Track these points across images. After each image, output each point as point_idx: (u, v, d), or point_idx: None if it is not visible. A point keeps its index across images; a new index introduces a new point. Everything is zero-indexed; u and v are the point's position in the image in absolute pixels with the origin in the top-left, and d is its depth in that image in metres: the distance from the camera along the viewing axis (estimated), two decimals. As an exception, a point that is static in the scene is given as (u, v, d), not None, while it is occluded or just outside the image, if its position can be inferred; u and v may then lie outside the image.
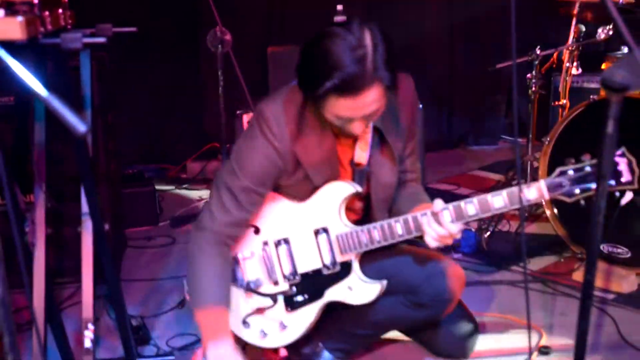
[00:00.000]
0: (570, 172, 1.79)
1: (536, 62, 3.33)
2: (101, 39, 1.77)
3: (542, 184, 1.80)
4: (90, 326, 2.11)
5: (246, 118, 3.52)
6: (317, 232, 2.02)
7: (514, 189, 1.84)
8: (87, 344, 2.11)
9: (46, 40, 1.72)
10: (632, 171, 1.76)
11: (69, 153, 2.47)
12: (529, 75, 3.39)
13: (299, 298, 2.06)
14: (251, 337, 2.12)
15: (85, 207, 2.08)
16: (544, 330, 2.46)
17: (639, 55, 1.44)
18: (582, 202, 1.81)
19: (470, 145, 5.17)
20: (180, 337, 2.51)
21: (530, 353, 2.32)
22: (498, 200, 1.85)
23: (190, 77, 4.50)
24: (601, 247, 2.83)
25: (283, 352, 2.18)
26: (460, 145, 5.18)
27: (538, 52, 3.32)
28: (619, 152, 1.76)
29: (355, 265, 2.02)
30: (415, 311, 2.07)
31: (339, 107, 1.78)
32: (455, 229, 1.85)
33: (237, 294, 2.11)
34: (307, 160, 1.97)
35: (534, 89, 3.38)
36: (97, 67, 2.64)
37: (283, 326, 2.08)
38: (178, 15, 4.42)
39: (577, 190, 1.79)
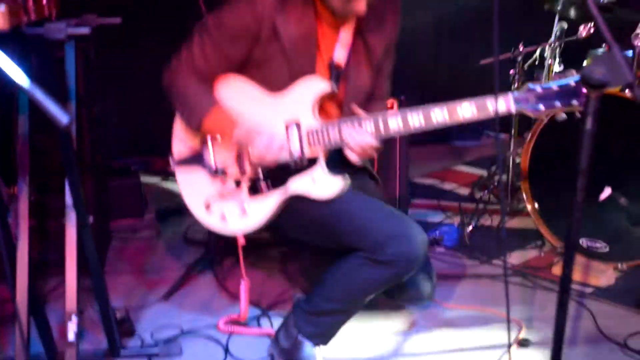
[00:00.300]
0: (538, 90, 1.82)
1: (519, 59, 3.35)
2: (85, 30, 1.76)
3: (510, 96, 1.83)
4: (74, 318, 2.10)
5: (242, 241, 3.46)
6: (288, 126, 2.05)
7: (482, 98, 1.86)
8: (71, 336, 2.10)
9: (30, 30, 1.71)
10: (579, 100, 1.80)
11: (53, 145, 2.44)
12: (512, 71, 3.41)
13: (263, 186, 2.10)
14: (212, 221, 2.16)
15: (69, 200, 2.07)
16: (524, 323, 2.49)
17: (618, 52, 1.46)
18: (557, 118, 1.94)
19: (454, 141, 5.18)
20: (165, 329, 2.50)
21: (509, 345, 2.34)
22: (466, 109, 1.86)
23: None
24: (580, 241, 2.86)
25: (242, 241, 2.22)
26: (443, 140, 5.19)
27: (521, 49, 3.33)
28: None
29: (322, 160, 2.05)
30: (379, 269, 2.01)
31: None
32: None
33: (202, 177, 2.16)
34: (285, 32, 1.99)
35: (516, 85, 3.40)
36: (82, 58, 2.61)
37: (244, 211, 2.11)
38: (165, 6, 4.37)
39: (542, 107, 1.82)
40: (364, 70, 2.13)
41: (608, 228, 2.85)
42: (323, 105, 2.09)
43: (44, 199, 2.77)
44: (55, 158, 2.43)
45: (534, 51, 3.48)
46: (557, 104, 1.79)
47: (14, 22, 1.60)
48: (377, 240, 1.98)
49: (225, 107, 2.08)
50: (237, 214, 2.12)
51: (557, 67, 3.56)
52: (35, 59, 1.95)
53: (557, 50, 3.52)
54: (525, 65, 3.49)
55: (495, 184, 3.58)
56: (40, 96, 1.27)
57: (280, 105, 2.05)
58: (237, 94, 2.09)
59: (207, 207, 2.16)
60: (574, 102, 1.78)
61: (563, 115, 2.11)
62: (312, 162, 2.05)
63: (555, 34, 3.51)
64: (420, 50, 5.00)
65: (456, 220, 3.29)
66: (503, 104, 1.83)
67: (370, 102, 2.20)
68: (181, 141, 2.21)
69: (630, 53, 2.99)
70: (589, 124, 1.48)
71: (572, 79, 1.79)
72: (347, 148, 2.01)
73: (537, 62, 3.64)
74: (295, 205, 2.10)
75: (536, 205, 3.07)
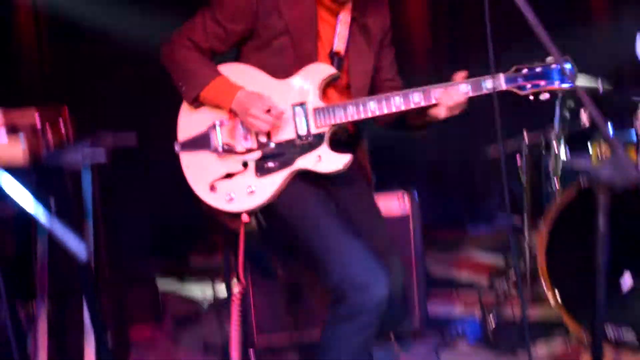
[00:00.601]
0: (525, 71, 2.07)
1: (524, 147, 3.38)
2: (102, 157, 1.80)
3: (501, 76, 2.03)
4: None
5: (246, 218, 3.49)
6: (294, 106, 2.10)
7: (476, 79, 2.08)
8: None
9: (49, 161, 1.75)
10: (568, 80, 2.06)
11: (72, 262, 2.45)
12: (519, 161, 3.43)
13: (270, 164, 2.10)
14: (217, 201, 2.14)
15: (87, 320, 2.05)
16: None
17: (621, 153, 1.48)
18: (531, 97, 2.09)
19: (468, 225, 5.16)
20: None
21: None
22: (463, 86, 2.07)
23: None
24: (607, 331, 2.77)
25: (245, 218, 2.16)
26: (457, 226, 5.16)
27: (525, 134, 3.37)
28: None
29: (327, 138, 2.10)
30: (353, 324, 1.99)
31: None
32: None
33: (208, 158, 2.14)
34: (289, 11, 2.07)
35: (524, 174, 3.42)
36: (97, 169, 2.65)
37: (250, 190, 2.11)
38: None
39: (529, 86, 2.06)
40: (365, 56, 2.21)
41: (635, 315, 2.76)
42: (326, 92, 2.15)
43: (61, 316, 2.74)
44: (73, 275, 2.44)
45: (539, 138, 3.51)
46: (542, 83, 2.04)
47: (34, 157, 1.65)
48: (337, 286, 1.98)
49: (226, 78, 2.12)
50: (244, 193, 2.12)
51: (562, 155, 3.58)
52: (54, 183, 1.99)
53: (562, 135, 3.55)
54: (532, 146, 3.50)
55: (513, 272, 3.52)
56: (59, 231, 1.29)
57: (286, 89, 2.11)
58: (243, 79, 2.13)
59: (213, 188, 2.14)
60: (556, 82, 2.04)
61: (546, 95, 2.18)
62: (318, 136, 2.10)
63: (558, 121, 3.55)
64: (428, 139, 5.05)
65: (476, 312, 3.22)
66: (496, 82, 2.04)
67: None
68: (186, 126, 2.21)
69: (633, 135, 3.02)
70: (602, 225, 1.48)
71: (551, 62, 2.05)
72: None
73: (543, 145, 3.66)
74: (283, 210, 2.12)
75: (557, 292, 3.00)
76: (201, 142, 2.15)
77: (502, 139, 1.84)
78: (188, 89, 2.12)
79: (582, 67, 3.59)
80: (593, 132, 3.48)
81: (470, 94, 2.06)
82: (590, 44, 4.44)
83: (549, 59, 2.05)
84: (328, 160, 2.08)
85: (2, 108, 1.66)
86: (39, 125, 1.77)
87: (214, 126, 2.13)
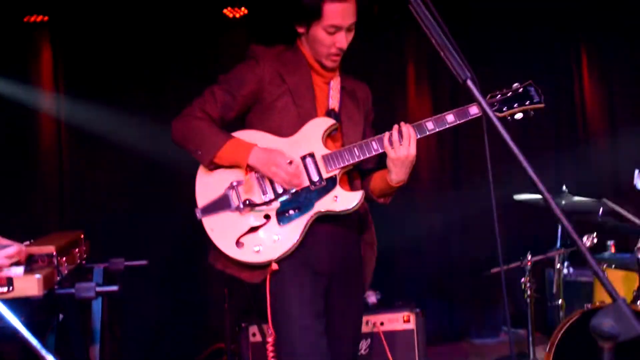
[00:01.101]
0: (498, 96, 2.30)
1: (528, 268, 3.39)
2: (114, 287, 1.83)
3: (482, 101, 1.98)
4: None
5: (252, 330, 3.46)
6: (304, 157, 2.23)
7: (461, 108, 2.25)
8: None
9: (61, 291, 1.77)
10: (539, 95, 2.30)
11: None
12: (523, 279, 3.43)
13: (291, 212, 2.20)
14: (245, 255, 2.19)
15: None
16: None
17: (623, 304, 1.47)
18: (509, 118, 2.30)
19: (473, 338, 5.06)
20: None
21: None
22: (450, 117, 2.24)
23: (193, 280, 4.53)
24: None
25: (275, 266, 2.19)
26: (462, 339, 5.07)
27: (529, 257, 3.39)
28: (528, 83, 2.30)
29: (339, 179, 2.23)
30: None
31: (332, 14, 2.15)
32: (413, 139, 2.18)
33: (230, 217, 2.21)
34: (289, 78, 2.24)
35: (529, 293, 3.41)
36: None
37: (276, 240, 2.19)
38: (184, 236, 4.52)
39: (505, 108, 2.28)
40: (355, 116, 2.37)
41: None
42: (327, 143, 2.27)
43: None
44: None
45: (541, 259, 3.53)
46: (515, 104, 2.26)
47: (47, 287, 1.67)
48: None
49: (238, 138, 2.22)
50: (270, 243, 2.19)
51: (565, 271, 3.59)
52: (62, 312, 2.00)
53: (565, 254, 3.57)
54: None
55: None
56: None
57: (293, 144, 2.24)
58: (253, 140, 2.23)
59: (239, 244, 2.19)
60: (527, 102, 2.27)
61: (520, 114, 2.33)
62: (330, 179, 2.22)
63: (561, 241, 3.59)
64: (433, 251, 5.07)
65: None
66: (475, 109, 2.21)
67: None
68: (203, 191, 2.26)
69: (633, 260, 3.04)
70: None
71: (518, 86, 2.29)
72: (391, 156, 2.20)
73: (545, 267, 3.68)
74: (273, 297, 2.18)
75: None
76: (221, 203, 2.23)
77: (502, 258, 1.86)
78: (204, 152, 2.21)
79: (585, 188, 3.75)
80: (594, 253, 3.50)
81: (456, 122, 2.23)
82: (591, 167, 4.57)
83: (515, 85, 2.28)
84: (344, 199, 2.21)
85: (24, 244, 1.70)
86: (54, 256, 1.80)
87: (231, 186, 2.22)
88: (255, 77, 2.25)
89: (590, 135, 4.96)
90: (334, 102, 2.32)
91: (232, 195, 2.22)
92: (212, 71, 4.56)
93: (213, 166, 2.23)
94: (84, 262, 2.22)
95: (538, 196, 3.59)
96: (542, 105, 2.29)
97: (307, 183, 2.22)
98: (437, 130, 2.22)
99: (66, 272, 1.90)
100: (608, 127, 4.92)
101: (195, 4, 4.48)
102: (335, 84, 2.34)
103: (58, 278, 1.79)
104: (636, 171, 3.03)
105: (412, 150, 2.17)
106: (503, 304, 2.29)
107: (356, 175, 2.35)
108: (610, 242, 3.71)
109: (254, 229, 2.20)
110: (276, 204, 2.21)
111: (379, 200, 2.38)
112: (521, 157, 1.48)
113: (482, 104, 1.52)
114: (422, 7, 1.60)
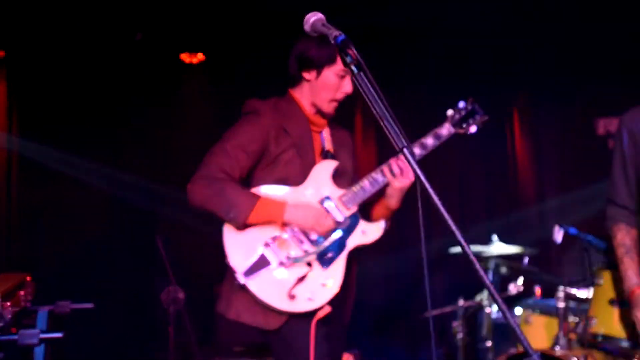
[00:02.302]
0: (456, 117, 2.43)
1: (460, 312, 3.48)
2: (58, 335, 1.79)
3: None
4: None
5: (328, 308, 3.39)
6: (322, 201, 2.29)
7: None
8: None
9: (3, 337, 1.72)
10: (480, 109, 2.44)
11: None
12: (454, 323, 3.52)
13: (330, 255, 2.26)
14: (300, 306, 2.21)
15: None
16: None
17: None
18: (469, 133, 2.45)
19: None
20: None
21: None
22: (444, 130, 2.39)
23: (143, 328, 4.44)
24: None
25: (327, 309, 2.24)
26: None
27: (461, 302, 3.49)
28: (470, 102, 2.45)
29: (359, 214, 2.33)
30: None
31: (338, 66, 2.24)
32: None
33: (275, 275, 2.22)
34: (293, 130, 2.29)
35: (460, 336, 3.50)
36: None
37: (324, 284, 2.24)
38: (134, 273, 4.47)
39: (464, 125, 2.42)
40: (346, 155, 2.46)
41: None
42: (337, 186, 2.34)
43: None
44: None
45: (474, 304, 3.64)
46: (471, 121, 2.42)
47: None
48: None
49: (265, 196, 2.24)
50: (320, 288, 2.23)
51: (494, 314, 3.70)
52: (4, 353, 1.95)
53: (494, 299, 3.68)
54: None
55: None
56: None
57: (309, 192, 2.30)
58: (274, 196, 2.26)
59: (292, 297, 2.21)
60: (477, 117, 2.43)
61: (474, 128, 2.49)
62: (352, 216, 2.31)
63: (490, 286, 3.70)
64: (373, 299, 5.10)
65: None
66: (445, 130, 2.39)
67: None
68: (236, 251, 2.23)
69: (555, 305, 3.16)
70: None
71: (468, 104, 2.45)
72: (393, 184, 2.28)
73: (477, 311, 3.79)
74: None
75: None
76: (261, 263, 2.23)
77: (430, 302, 1.91)
78: (237, 215, 2.19)
79: (514, 241, 3.89)
80: (521, 298, 3.63)
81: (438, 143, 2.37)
82: (521, 225, 4.76)
83: (461, 104, 2.43)
84: (371, 231, 2.34)
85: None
86: (-2, 299, 1.76)
87: (267, 244, 2.24)
88: (261, 133, 2.28)
89: (520, 189, 5.20)
90: (328, 145, 2.41)
91: (270, 253, 2.24)
92: (168, 114, 4.63)
93: (245, 226, 2.22)
94: (28, 304, 2.16)
95: (472, 245, 3.73)
96: (487, 117, 2.46)
97: (333, 225, 2.28)
98: (421, 155, 2.36)
99: (9, 316, 1.85)
100: (536, 182, 5.18)
101: (152, 48, 4.51)
102: (326, 133, 2.42)
103: (1, 324, 1.75)
104: (556, 226, 3.18)
105: (412, 177, 2.25)
106: (433, 345, 2.29)
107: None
108: (536, 287, 3.85)
109: (301, 279, 2.23)
110: (314, 250, 2.26)
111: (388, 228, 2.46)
112: (443, 210, 1.59)
113: (417, 171, 1.65)
114: (364, 80, 1.73)
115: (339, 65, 2.26)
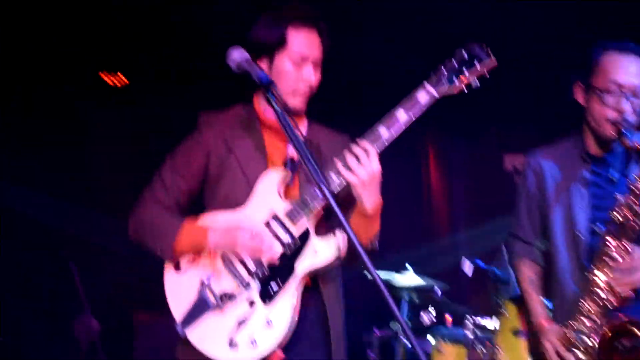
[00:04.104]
0: (443, 70, 1.83)
1: (374, 342, 3.46)
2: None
3: (427, 85, 1.82)
4: None
5: (280, 354, 3.09)
6: (267, 224, 1.87)
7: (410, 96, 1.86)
8: None
9: None
10: (486, 51, 1.83)
11: None
12: (369, 351, 3.49)
13: (274, 287, 1.84)
14: (243, 354, 1.82)
15: None
16: None
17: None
18: (465, 90, 1.85)
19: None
20: None
21: None
22: (401, 115, 1.83)
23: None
24: None
25: (281, 355, 1.84)
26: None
27: (376, 332, 3.46)
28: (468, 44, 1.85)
29: (311, 230, 1.86)
30: None
31: (297, 41, 1.88)
32: (372, 154, 1.79)
33: (212, 320, 1.85)
34: (237, 147, 1.95)
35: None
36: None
37: (269, 323, 1.82)
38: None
39: (455, 79, 1.82)
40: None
41: None
42: (288, 194, 1.93)
43: None
44: None
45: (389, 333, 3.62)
46: (466, 72, 1.82)
47: None
48: None
49: (191, 222, 1.90)
50: (264, 330, 1.82)
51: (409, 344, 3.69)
52: None
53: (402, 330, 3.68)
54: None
55: None
56: None
57: (252, 212, 1.89)
58: (210, 223, 1.91)
59: (233, 344, 1.82)
60: (477, 64, 1.81)
61: (477, 82, 1.88)
62: (303, 235, 1.86)
63: (403, 315, 3.70)
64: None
65: None
66: (425, 96, 1.82)
67: None
68: (176, 300, 1.90)
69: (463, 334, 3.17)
70: None
71: (461, 50, 1.84)
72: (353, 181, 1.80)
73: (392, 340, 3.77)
74: None
75: None
76: (199, 308, 1.88)
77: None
78: (162, 246, 1.90)
79: (427, 271, 3.91)
80: (432, 327, 3.65)
81: (412, 118, 1.83)
82: (432, 248, 4.84)
83: (457, 51, 1.85)
84: (323, 250, 1.84)
85: None
86: None
87: (202, 284, 1.87)
88: (201, 151, 1.96)
89: (434, 221, 5.32)
90: (292, 150, 1.97)
91: (208, 294, 1.87)
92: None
93: (176, 260, 1.91)
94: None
95: (388, 276, 3.73)
96: (494, 62, 1.83)
97: (280, 249, 1.85)
98: (395, 136, 1.83)
99: None
100: (449, 213, 5.32)
101: (70, 65, 4.25)
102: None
103: None
104: (463, 258, 3.23)
105: (376, 166, 1.79)
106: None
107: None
108: (447, 316, 3.88)
109: (242, 322, 1.85)
110: (256, 285, 1.86)
111: (368, 246, 1.94)
112: (354, 238, 1.51)
113: (334, 208, 1.56)
114: (289, 123, 1.68)
115: (291, 48, 1.89)
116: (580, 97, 2.18)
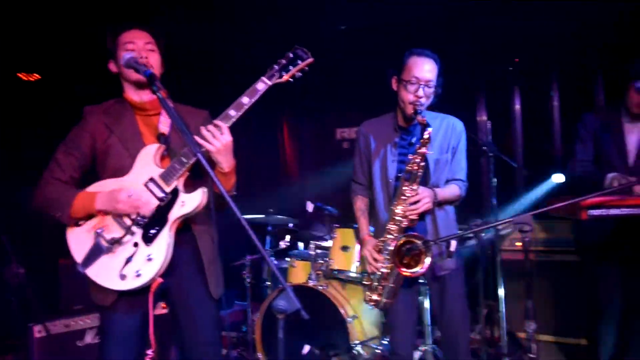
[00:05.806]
0: (275, 68, 1.98)
1: (247, 266, 3.70)
2: None
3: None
4: None
5: (37, 329, 3.15)
6: (146, 184, 1.97)
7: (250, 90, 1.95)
8: None
9: None
10: (306, 52, 1.99)
11: None
12: (244, 272, 3.74)
13: (152, 231, 1.95)
14: (131, 283, 1.93)
15: None
16: None
17: (290, 291, 1.77)
18: (292, 80, 1.97)
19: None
20: None
21: None
22: (245, 99, 1.94)
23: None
24: None
25: (159, 280, 1.96)
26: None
27: (247, 257, 3.71)
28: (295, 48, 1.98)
29: (181, 186, 1.97)
30: None
31: (127, 37, 2.00)
32: (224, 127, 1.92)
33: (107, 259, 1.94)
34: (115, 128, 2.01)
35: (248, 280, 3.73)
36: None
37: (149, 259, 1.94)
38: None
39: (284, 74, 1.98)
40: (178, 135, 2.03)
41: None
42: (164, 163, 2.01)
43: None
44: None
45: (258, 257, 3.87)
46: (291, 68, 1.97)
47: None
48: None
49: (84, 191, 1.95)
50: (146, 265, 1.93)
51: (273, 262, 3.98)
52: None
53: (272, 252, 3.96)
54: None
55: None
56: None
57: (134, 177, 1.98)
58: (99, 189, 1.99)
59: (123, 277, 1.92)
60: (299, 62, 1.97)
61: (299, 74, 2.02)
62: (174, 191, 1.96)
63: (270, 244, 3.98)
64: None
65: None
66: (261, 85, 1.94)
67: None
68: (78, 248, 1.98)
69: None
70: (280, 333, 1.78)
71: (289, 53, 1.98)
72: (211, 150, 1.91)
73: (260, 261, 4.04)
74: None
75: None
76: (95, 252, 1.96)
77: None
78: (62, 214, 1.94)
79: (283, 211, 4.17)
80: (288, 250, 3.96)
81: (252, 101, 1.94)
82: (287, 195, 5.14)
83: (286, 54, 1.98)
84: (190, 200, 1.96)
85: None
86: None
87: (97, 234, 1.95)
88: (86, 134, 2.01)
89: (287, 174, 5.60)
90: (164, 127, 2.05)
91: (101, 241, 1.95)
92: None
93: (74, 222, 1.96)
94: None
95: (257, 215, 3.98)
96: (311, 60, 1.98)
97: (156, 202, 1.95)
98: (240, 114, 1.94)
99: None
100: (298, 170, 5.60)
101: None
102: (165, 117, 2.05)
103: None
104: (307, 202, 3.54)
105: (228, 138, 1.92)
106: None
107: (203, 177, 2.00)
108: (298, 243, 4.21)
109: (129, 259, 1.94)
110: (139, 231, 1.95)
111: (230, 193, 2.02)
112: (225, 193, 1.65)
113: (210, 174, 1.71)
114: (169, 105, 1.81)
115: (119, 57, 2.00)
116: (394, 86, 2.35)
